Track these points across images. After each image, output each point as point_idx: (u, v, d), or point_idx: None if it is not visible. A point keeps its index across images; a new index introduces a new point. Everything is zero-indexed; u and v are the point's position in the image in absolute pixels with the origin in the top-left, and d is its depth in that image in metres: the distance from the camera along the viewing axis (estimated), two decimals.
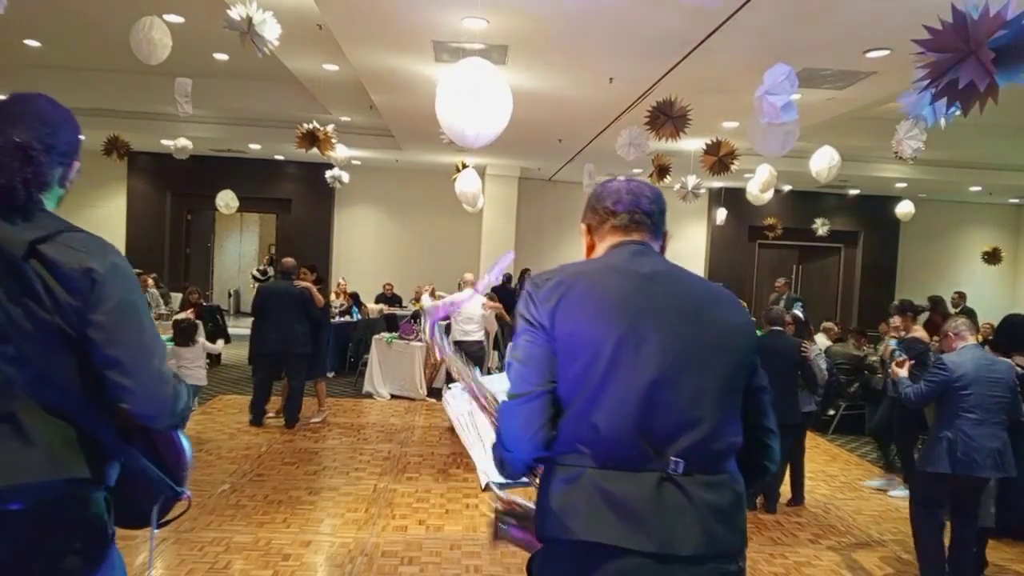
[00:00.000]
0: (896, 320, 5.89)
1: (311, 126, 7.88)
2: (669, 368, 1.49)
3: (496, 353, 8.54)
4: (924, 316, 9.79)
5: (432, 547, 4.25)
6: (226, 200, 12.45)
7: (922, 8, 3.95)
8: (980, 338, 4.56)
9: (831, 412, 7.64)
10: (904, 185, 12.64)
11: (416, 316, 9.44)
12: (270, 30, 4.46)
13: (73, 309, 1.40)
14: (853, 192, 13.91)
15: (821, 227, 13.31)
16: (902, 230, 14.35)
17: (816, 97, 6.57)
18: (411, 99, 7.61)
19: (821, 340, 7.68)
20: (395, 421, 7.45)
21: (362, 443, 6.54)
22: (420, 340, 8.54)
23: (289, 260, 7.20)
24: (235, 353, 10.50)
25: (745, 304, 8.52)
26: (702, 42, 5.16)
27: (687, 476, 1.47)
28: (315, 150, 8.10)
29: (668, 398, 1.48)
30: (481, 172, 11.92)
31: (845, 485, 6.04)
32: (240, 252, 17.22)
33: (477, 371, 1.80)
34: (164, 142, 10.65)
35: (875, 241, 14.63)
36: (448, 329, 6.76)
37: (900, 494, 5.81)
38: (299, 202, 14.00)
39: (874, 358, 7.21)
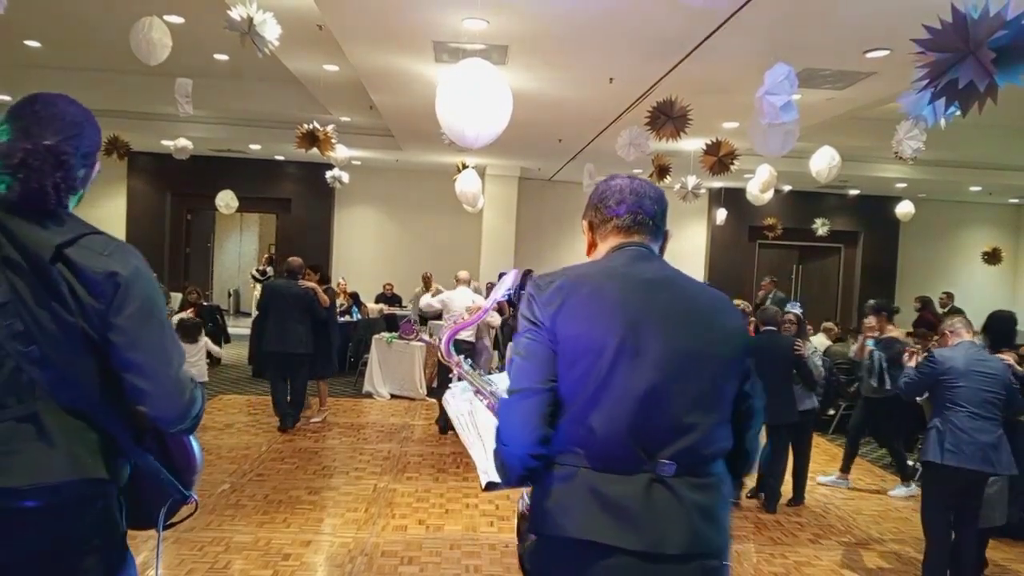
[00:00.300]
0: (871, 320, 5.90)
1: (311, 126, 7.87)
2: (666, 375, 1.52)
3: (496, 353, 8.54)
4: (915, 314, 9.84)
5: (432, 547, 4.25)
6: (226, 200, 12.45)
7: (922, 8, 3.95)
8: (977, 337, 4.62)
9: (831, 412, 7.64)
10: (904, 185, 12.64)
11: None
12: (270, 30, 4.46)
13: (96, 312, 1.41)
14: (853, 192, 13.91)
15: (821, 227, 13.31)
16: (902, 230, 14.34)
17: (816, 97, 6.57)
18: (411, 99, 7.61)
19: (821, 340, 7.68)
20: (395, 421, 7.45)
21: (362, 443, 6.55)
22: (420, 340, 8.54)
23: (295, 259, 7.19)
24: (235, 353, 10.51)
25: (747, 304, 8.53)
26: (702, 42, 5.16)
27: (677, 478, 1.51)
28: (315, 150, 8.09)
29: (663, 405, 1.52)
30: (481, 172, 11.92)
31: None
32: (240, 252, 17.21)
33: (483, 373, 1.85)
34: (164, 142, 10.65)
35: (875, 241, 14.63)
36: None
37: (898, 493, 5.82)
38: (299, 202, 13.99)
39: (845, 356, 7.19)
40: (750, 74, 5.50)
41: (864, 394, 5.98)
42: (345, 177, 10.55)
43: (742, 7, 4.39)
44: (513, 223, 12.97)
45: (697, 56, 5.47)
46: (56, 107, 1.50)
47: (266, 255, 14.95)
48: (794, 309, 5.90)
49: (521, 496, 1.78)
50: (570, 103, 7.43)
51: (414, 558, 4.09)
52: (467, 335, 6.87)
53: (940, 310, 10.54)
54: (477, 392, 1.83)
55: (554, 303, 1.56)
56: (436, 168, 12.91)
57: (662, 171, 8.54)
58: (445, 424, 6.69)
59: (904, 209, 11.76)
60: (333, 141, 8.01)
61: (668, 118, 5.99)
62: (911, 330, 8.62)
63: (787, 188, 13.30)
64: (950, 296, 11.02)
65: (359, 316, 10.51)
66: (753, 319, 6.33)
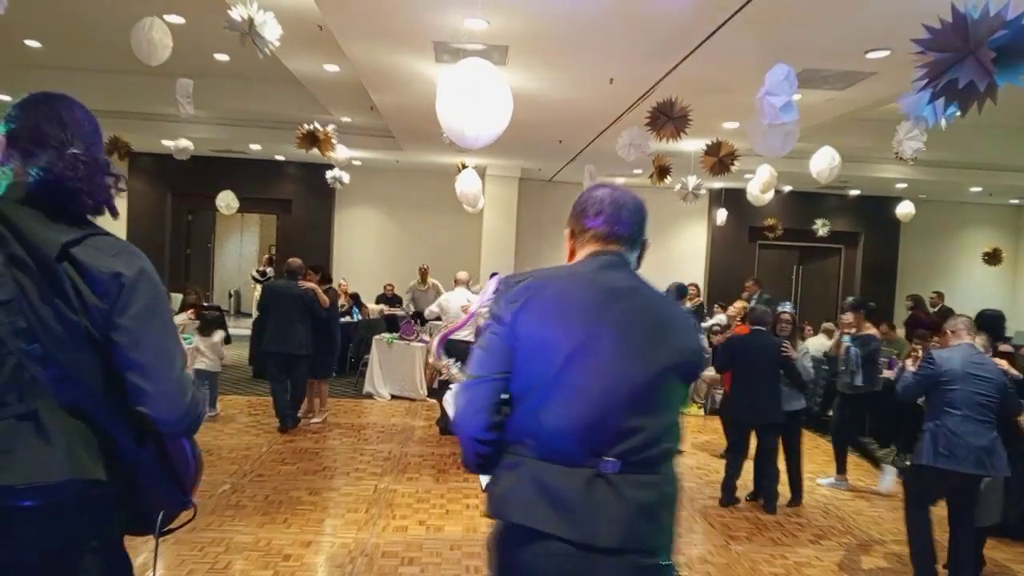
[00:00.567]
0: (848, 317, 5.96)
1: (311, 127, 7.88)
2: (616, 378, 1.61)
3: None
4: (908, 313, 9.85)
5: (432, 547, 4.25)
6: (227, 200, 12.44)
7: (922, 8, 3.95)
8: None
9: (831, 412, 7.63)
10: (904, 186, 12.63)
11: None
12: (271, 31, 4.46)
13: (100, 312, 1.41)
14: (853, 193, 13.91)
15: (821, 228, 13.30)
16: (902, 231, 14.34)
17: (816, 97, 6.57)
18: (411, 99, 7.61)
19: (821, 341, 7.67)
20: (395, 421, 7.45)
21: (362, 443, 6.54)
22: (420, 341, 8.54)
23: (295, 260, 7.19)
24: (235, 353, 10.50)
25: (747, 305, 8.51)
26: (702, 43, 5.16)
27: (620, 475, 1.58)
28: (315, 151, 8.11)
29: (611, 406, 1.60)
30: (481, 173, 11.92)
31: None
32: (240, 252, 17.22)
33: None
34: (165, 143, 10.65)
35: (875, 242, 14.61)
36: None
37: (887, 482, 5.78)
38: (299, 202, 13.99)
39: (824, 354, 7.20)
40: (750, 74, 5.50)
41: (840, 390, 5.99)
42: (345, 177, 10.56)
43: (742, 7, 4.39)
44: (513, 223, 12.97)
45: (697, 56, 5.46)
46: (77, 112, 1.55)
47: (266, 256, 14.97)
48: (787, 308, 5.90)
49: None
50: (570, 103, 7.42)
51: (414, 559, 4.09)
52: (466, 335, 6.88)
53: (931, 309, 10.55)
54: None
55: (518, 301, 1.66)
56: (436, 168, 12.91)
57: (662, 171, 8.53)
58: (445, 425, 6.69)
59: (904, 210, 11.76)
60: (333, 141, 8.03)
61: (668, 118, 5.98)
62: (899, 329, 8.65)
63: (787, 188, 13.29)
64: (940, 296, 11.03)
65: (360, 317, 10.51)
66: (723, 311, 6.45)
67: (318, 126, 7.92)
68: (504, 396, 1.65)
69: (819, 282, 15.13)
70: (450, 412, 1.94)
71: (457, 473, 5.73)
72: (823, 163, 6.77)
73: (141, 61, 5.06)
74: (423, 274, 11.54)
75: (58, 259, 1.39)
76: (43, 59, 8.68)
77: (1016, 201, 14.38)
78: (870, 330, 5.91)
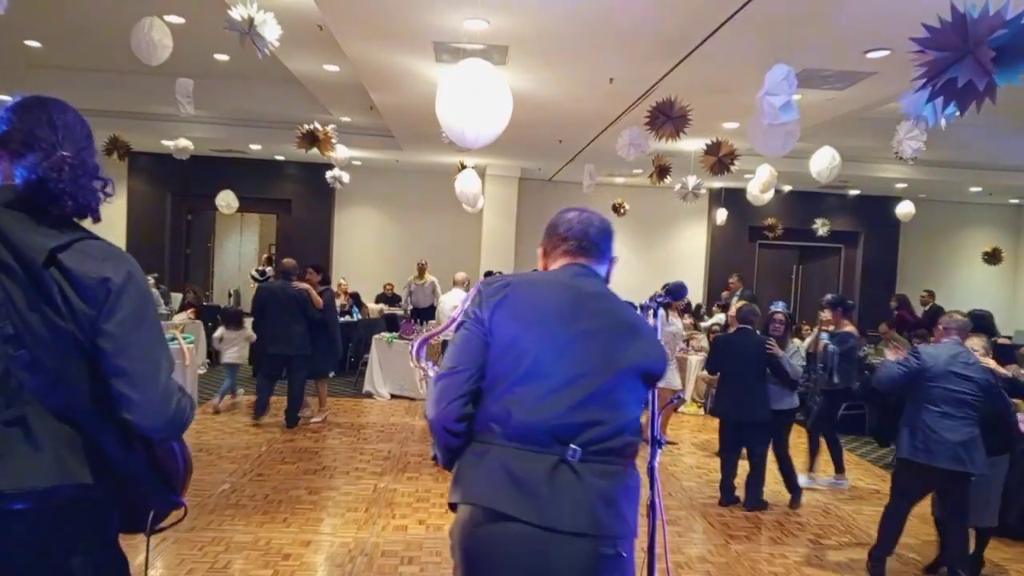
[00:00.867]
0: (826, 314, 5.99)
1: (311, 126, 7.88)
2: (584, 374, 1.73)
3: None
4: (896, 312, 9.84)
5: (432, 547, 4.25)
6: (226, 200, 12.44)
7: (922, 8, 3.95)
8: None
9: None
10: (904, 185, 12.63)
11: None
12: (270, 31, 4.46)
13: (87, 317, 1.41)
14: (853, 192, 13.91)
15: (821, 227, 13.29)
16: (902, 230, 14.33)
17: (816, 97, 6.57)
18: (411, 99, 7.61)
19: None
20: (395, 421, 7.45)
21: (362, 443, 6.55)
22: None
23: (289, 260, 7.20)
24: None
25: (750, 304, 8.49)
26: (702, 42, 5.16)
27: (582, 463, 1.69)
28: (315, 150, 8.10)
29: (578, 400, 1.71)
30: (481, 172, 11.92)
31: None
32: (240, 252, 17.20)
33: None
34: (164, 142, 10.65)
35: (875, 241, 14.61)
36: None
37: (803, 482, 5.72)
38: (299, 202, 13.99)
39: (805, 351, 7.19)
40: (750, 74, 5.50)
41: (820, 386, 6.00)
42: (345, 177, 10.56)
43: (742, 7, 4.40)
44: (513, 223, 12.97)
45: (697, 56, 5.47)
46: (70, 115, 1.54)
47: (266, 255, 14.95)
48: (779, 308, 5.89)
49: None
50: (570, 103, 7.43)
51: (414, 558, 4.09)
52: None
53: (922, 308, 10.54)
54: None
55: (495, 297, 1.80)
56: (436, 168, 12.90)
57: (662, 171, 8.53)
58: None
59: (904, 209, 11.75)
60: (333, 141, 8.02)
61: (668, 118, 5.98)
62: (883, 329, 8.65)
63: (787, 188, 13.29)
64: (931, 294, 11.01)
65: (359, 316, 10.51)
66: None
67: (318, 126, 7.92)
68: (475, 387, 1.75)
69: (819, 282, 15.12)
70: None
71: None
72: (823, 163, 6.77)
73: (141, 61, 5.06)
74: (421, 269, 11.54)
75: (45, 265, 1.38)
76: (43, 59, 8.67)
77: (1016, 201, 14.38)
78: (847, 328, 5.92)
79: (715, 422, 5.74)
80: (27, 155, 1.45)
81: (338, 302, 10.46)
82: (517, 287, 1.83)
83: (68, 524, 1.43)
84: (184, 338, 6.67)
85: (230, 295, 16.32)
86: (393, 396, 8.50)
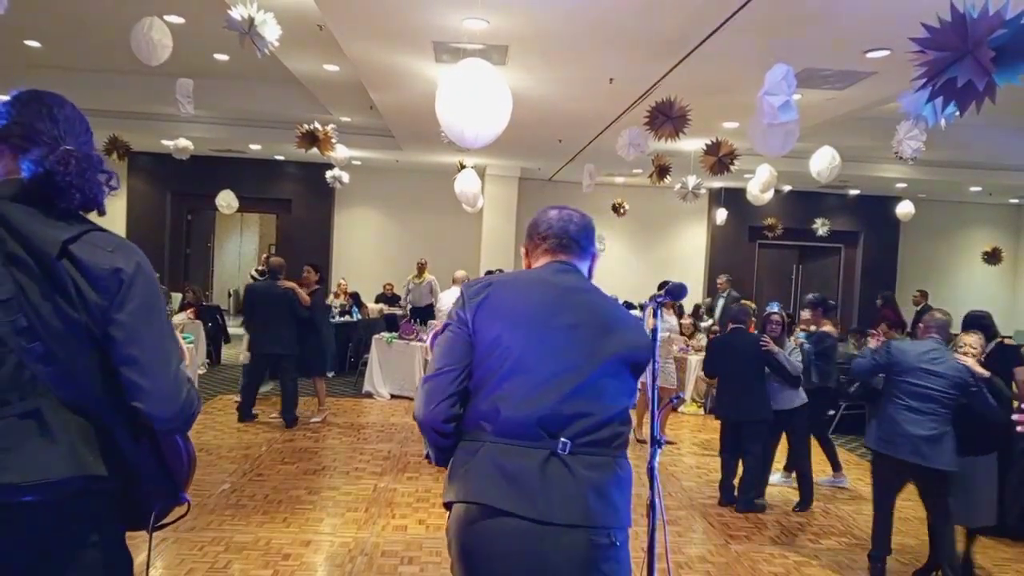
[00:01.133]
0: (806, 314, 6.02)
1: (311, 126, 7.88)
2: (570, 367, 1.76)
3: None
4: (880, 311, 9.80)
5: (432, 547, 4.25)
6: (227, 200, 12.45)
7: (922, 8, 3.95)
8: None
9: (831, 412, 7.63)
10: (904, 185, 12.63)
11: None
12: (270, 31, 4.46)
13: (99, 308, 1.41)
14: (853, 192, 13.91)
15: (821, 227, 13.30)
16: (902, 230, 14.34)
17: (816, 97, 6.57)
18: (411, 99, 7.61)
19: None
20: (395, 421, 7.45)
21: (362, 443, 6.55)
22: (420, 340, 8.55)
23: (276, 259, 7.19)
24: (235, 353, 10.50)
25: (752, 304, 8.52)
26: (702, 42, 5.16)
27: (572, 456, 1.71)
28: (315, 150, 8.10)
29: (565, 392, 1.73)
30: (481, 172, 11.93)
31: None
32: (240, 252, 17.23)
33: None
34: (164, 142, 10.65)
35: (875, 241, 14.62)
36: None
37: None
38: (299, 202, 13.99)
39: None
40: (750, 74, 5.50)
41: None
42: (345, 177, 10.56)
43: (742, 7, 4.40)
44: (513, 223, 12.97)
45: (697, 56, 5.46)
46: (69, 109, 1.55)
47: (265, 255, 14.96)
48: (775, 309, 5.89)
49: None
50: (570, 103, 7.43)
51: (414, 558, 4.09)
52: None
53: (914, 308, 10.54)
54: None
55: (479, 297, 1.83)
56: (436, 168, 12.90)
57: (662, 171, 8.53)
58: None
59: (904, 209, 11.76)
60: (333, 141, 8.02)
61: (667, 118, 5.98)
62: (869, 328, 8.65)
63: (787, 188, 13.30)
64: (924, 294, 11.02)
65: (359, 316, 10.51)
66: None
67: (318, 126, 7.92)
68: (462, 387, 1.78)
69: (819, 282, 15.13)
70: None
71: None
72: (823, 163, 6.77)
73: (141, 61, 5.06)
74: (420, 268, 11.54)
75: (58, 257, 1.39)
76: (43, 59, 8.68)
77: (1016, 201, 14.38)
78: (826, 327, 5.93)
79: (715, 422, 5.74)
80: (31, 149, 1.46)
81: (338, 302, 10.50)
82: (499, 286, 1.87)
83: (80, 519, 1.43)
84: (184, 338, 6.66)
85: (230, 295, 16.33)
86: (393, 396, 8.50)
